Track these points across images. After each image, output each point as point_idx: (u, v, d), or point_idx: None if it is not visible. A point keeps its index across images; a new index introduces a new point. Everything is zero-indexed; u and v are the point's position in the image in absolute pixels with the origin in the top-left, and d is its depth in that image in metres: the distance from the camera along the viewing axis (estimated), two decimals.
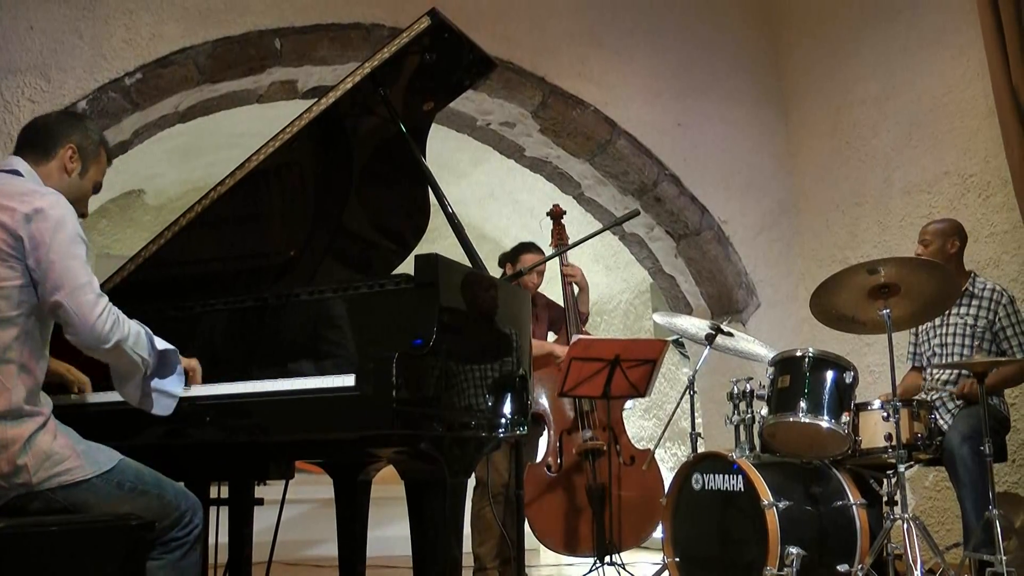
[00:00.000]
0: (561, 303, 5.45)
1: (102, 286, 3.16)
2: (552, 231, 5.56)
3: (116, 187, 7.57)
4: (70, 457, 2.49)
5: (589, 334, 5.38)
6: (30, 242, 2.47)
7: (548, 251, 5.38)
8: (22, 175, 2.64)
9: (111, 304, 2.53)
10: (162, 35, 4.96)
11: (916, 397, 4.42)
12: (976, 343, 4.50)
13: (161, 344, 2.63)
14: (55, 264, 2.47)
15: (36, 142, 2.75)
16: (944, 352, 4.59)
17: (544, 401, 5.09)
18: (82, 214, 2.83)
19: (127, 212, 8.37)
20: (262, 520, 3.29)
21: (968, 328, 4.53)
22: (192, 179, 7.98)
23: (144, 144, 5.33)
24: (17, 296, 2.47)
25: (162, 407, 2.64)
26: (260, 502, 3.28)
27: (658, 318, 5.06)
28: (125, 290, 3.18)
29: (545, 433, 5.21)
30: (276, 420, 2.64)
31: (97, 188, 2.87)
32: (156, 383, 2.62)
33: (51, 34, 4.75)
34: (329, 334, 2.84)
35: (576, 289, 5.41)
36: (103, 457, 2.56)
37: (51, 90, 4.69)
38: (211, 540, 3.27)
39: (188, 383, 2.74)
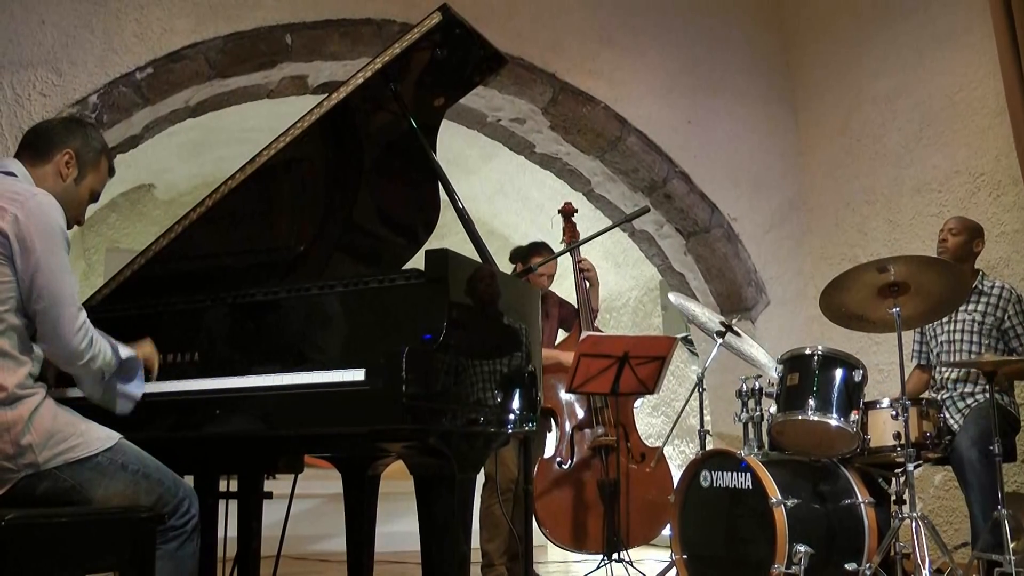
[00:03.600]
0: (571, 300, 5.45)
1: (111, 280, 3.21)
2: (564, 229, 5.56)
3: (126, 181, 7.59)
4: (73, 434, 2.52)
5: (601, 331, 5.38)
6: (18, 243, 2.48)
7: (560, 248, 5.37)
8: (15, 176, 2.65)
9: (87, 320, 2.56)
10: (173, 29, 4.97)
11: (924, 396, 4.41)
12: (984, 341, 4.49)
13: (124, 352, 2.66)
14: (41, 271, 2.49)
15: (35, 145, 2.76)
16: (952, 350, 4.58)
17: (556, 396, 5.09)
18: (77, 222, 2.86)
19: (137, 206, 8.38)
20: (271, 514, 3.29)
21: (976, 326, 4.52)
22: (202, 174, 8.00)
23: (154, 138, 5.34)
24: (6, 292, 2.49)
25: (123, 407, 2.68)
26: (269, 496, 3.27)
27: (672, 297, 5.04)
28: (135, 284, 3.20)
29: (554, 428, 5.22)
30: (285, 414, 2.64)
31: (94, 197, 2.87)
32: (120, 387, 2.66)
33: (62, 28, 4.76)
34: (339, 328, 2.84)
35: (587, 284, 5.42)
36: (104, 434, 2.59)
37: (62, 84, 4.71)
38: (220, 534, 3.29)
39: (148, 375, 2.79)
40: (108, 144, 2.98)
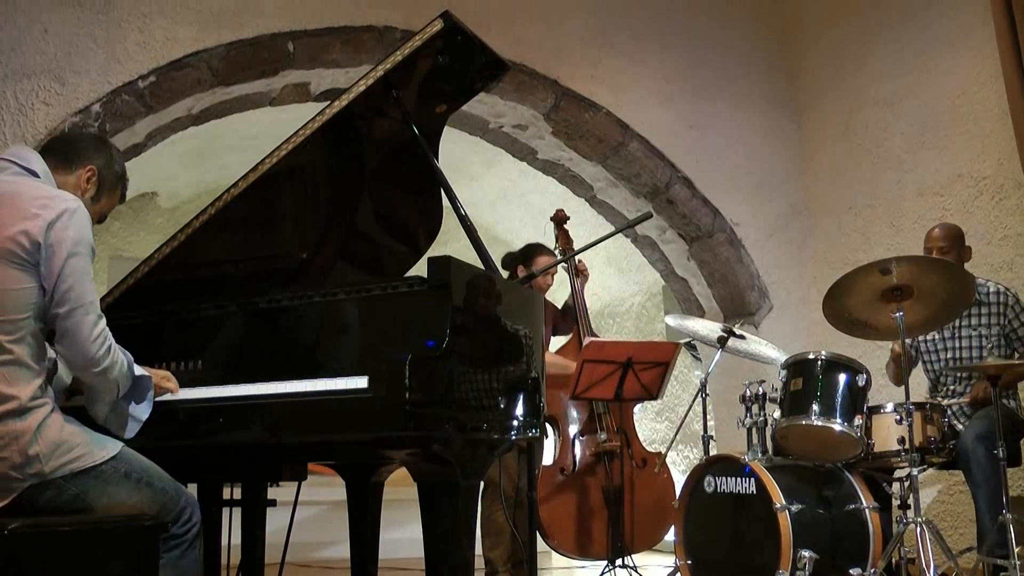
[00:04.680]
0: (559, 304, 5.46)
1: (114, 288, 3.21)
2: (556, 236, 5.57)
3: (129, 189, 7.53)
4: (80, 444, 2.52)
5: (598, 335, 5.38)
6: (47, 250, 2.49)
7: (556, 254, 5.38)
8: (38, 175, 2.66)
9: (107, 329, 2.56)
10: (175, 38, 4.98)
11: (929, 401, 4.40)
12: (994, 352, 4.46)
13: (138, 371, 2.66)
14: (67, 278, 2.50)
15: (61, 152, 2.78)
16: (958, 366, 4.53)
17: (557, 403, 5.09)
18: None
19: (140, 214, 8.40)
20: (275, 521, 3.29)
21: (983, 340, 4.48)
22: (205, 182, 8.00)
23: (157, 147, 5.35)
24: (26, 299, 2.49)
25: (129, 430, 2.67)
26: (273, 503, 3.28)
27: (670, 320, 5.06)
28: (138, 292, 3.20)
29: (552, 435, 5.21)
30: (289, 422, 2.65)
31: (101, 219, 2.89)
32: (131, 408, 2.65)
33: (65, 37, 4.77)
34: (342, 336, 2.84)
35: (580, 280, 5.43)
36: (108, 443, 2.60)
37: (65, 93, 4.72)
38: (224, 541, 3.29)
39: (166, 392, 2.78)
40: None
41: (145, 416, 2.69)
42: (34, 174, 2.65)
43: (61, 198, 2.58)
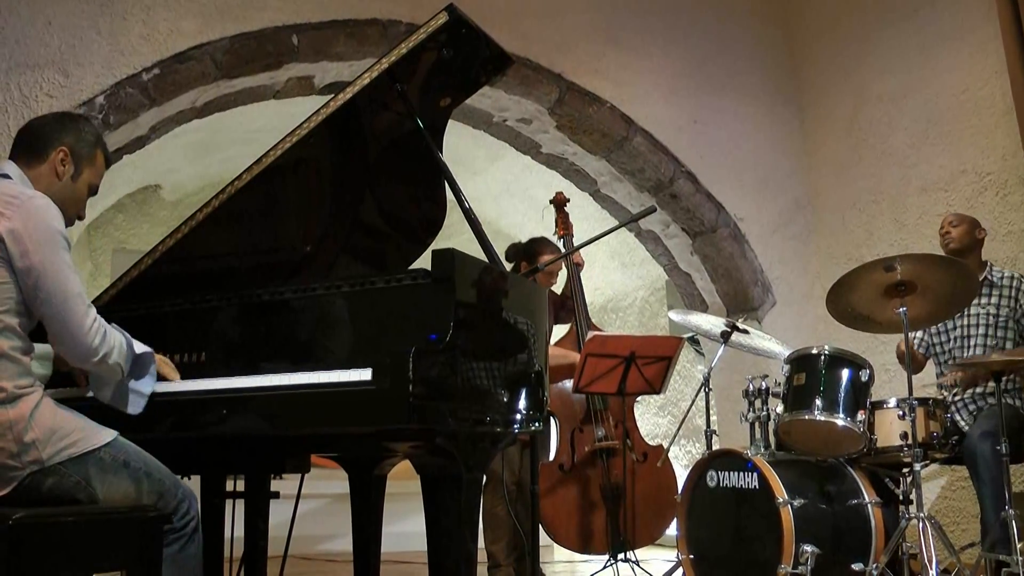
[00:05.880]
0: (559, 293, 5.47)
1: (118, 281, 3.21)
2: (556, 219, 5.55)
3: (133, 182, 7.60)
4: (75, 429, 2.52)
5: (601, 330, 5.37)
6: (16, 247, 2.47)
7: (553, 239, 5.37)
8: (11, 178, 2.63)
9: (98, 315, 2.54)
10: (179, 31, 4.99)
11: (932, 396, 4.40)
12: (1000, 334, 4.46)
13: (139, 348, 2.65)
14: (45, 274, 2.48)
15: (29, 144, 2.73)
16: (966, 345, 4.55)
17: (556, 399, 5.07)
18: (79, 217, 2.84)
19: (144, 207, 8.40)
20: (278, 514, 3.29)
21: (992, 319, 4.50)
22: (208, 174, 8.01)
23: (161, 139, 5.35)
24: (4, 294, 2.48)
25: (135, 406, 2.66)
26: (276, 496, 3.28)
27: (674, 315, 5.06)
28: (142, 285, 3.20)
29: (554, 430, 5.20)
30: (292, 414, 2.64)
31: (93, 191, 2.84)
32: (132, 384, 2.64)
33: (69, 29, 4.77)
34: (346, 328, 2.84)
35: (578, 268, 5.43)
36: (103, 430, 2.59)
37: (69, 85, 4.72)
38: (227, 533, 3.29)
39: (164, 378, 2.78)
40: (108, 141, 2.97)
41: (149, 390, 2.68)
42: (6, 176, 2.63)
43: (27, 195, 2.55)
